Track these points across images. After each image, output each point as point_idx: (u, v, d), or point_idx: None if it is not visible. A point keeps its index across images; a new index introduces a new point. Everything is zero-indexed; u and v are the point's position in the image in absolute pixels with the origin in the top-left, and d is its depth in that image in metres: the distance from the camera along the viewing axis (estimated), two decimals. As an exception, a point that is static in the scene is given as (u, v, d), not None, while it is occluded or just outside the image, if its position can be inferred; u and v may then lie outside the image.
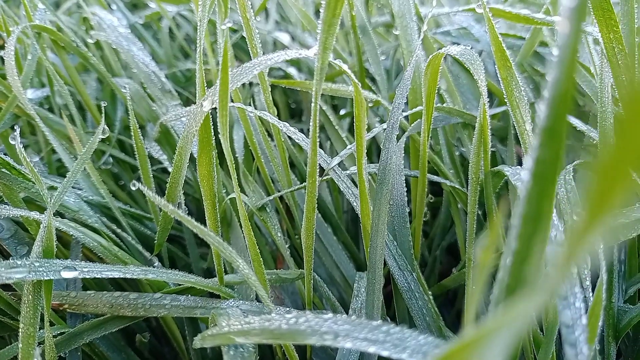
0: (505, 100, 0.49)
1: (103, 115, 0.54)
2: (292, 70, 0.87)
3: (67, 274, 0.46)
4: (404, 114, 0.62)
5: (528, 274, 0.28)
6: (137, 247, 0.60)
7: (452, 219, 0.68)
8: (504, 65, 0.47)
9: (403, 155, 0.62)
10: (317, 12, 1.14)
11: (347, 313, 0.62)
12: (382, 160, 0.51)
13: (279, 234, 0.62)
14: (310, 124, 0.44)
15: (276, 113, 0.62)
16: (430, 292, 0.57)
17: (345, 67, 0.46)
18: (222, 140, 0.44)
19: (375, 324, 0.34)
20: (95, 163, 0.70)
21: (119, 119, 0.74)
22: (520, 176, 0.48)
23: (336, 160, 0.53)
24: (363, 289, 0.55)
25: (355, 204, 0.53)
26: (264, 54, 0.94)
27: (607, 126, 0.56)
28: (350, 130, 0.92)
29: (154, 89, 0.71)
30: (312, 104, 0.43)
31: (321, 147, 0.88)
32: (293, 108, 1.04)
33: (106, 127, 0.53)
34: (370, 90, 0.86)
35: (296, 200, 0.67)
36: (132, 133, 0.55)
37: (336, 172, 0.54)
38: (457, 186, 0.62)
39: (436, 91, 0.56)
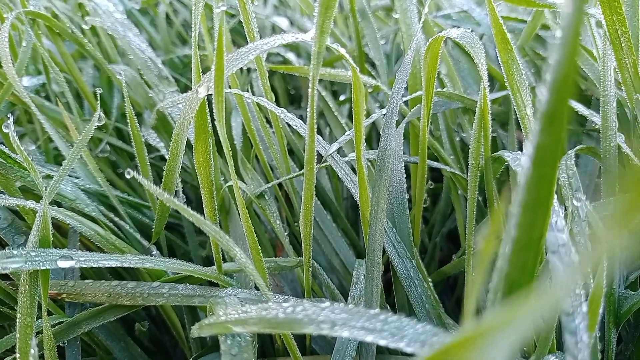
0: (506, 84, 0.48)
1: (99, 103, 0.53)
2: (290, 56, 0.86)
3: (63, 264, 0.45)
4: (404, 99, 0.61)
5: (527, 263, 0.27)
6: (135, 236, 0.59)
7: (453, 205, 0.68)
8: (505, 49, 0.46)
9: (402, 141, 0.61)
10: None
11: (346, 300, 0.62)
12: (381, 146, 0.51)
13: (278, 222, 0.62)
14: (308, 109, 0.43)
15: (274, 99, 0.61)
16: (430, 279, 0.57)
17: (343, 51, 0.45)
18: (217, 127, 0.43)
19: (372, 313, 0.33)
20: (93, 151, 0.70)
21: (116, 106, 0.73)
22: (520, 162, 0.47)
23: (334, 146, 0.52)
24: (362, 277, 0.55)
25: (354, 191, 0.52)
26: (261, 38, 0.93)
27: (610, 110, 0.55)
28: (350, 116, 0.91)
29: (150, 76, 0.70)
30: (310, 90, 0.43)
31: (320, 133, 0.88)
32: (292, 94, 1.03)
33: (102, 114, 0.52)
34: (370, 75, 0.85)
35: (295, 188, 0.66)
36: (129, 121, 0.54)
37: (334, 159, 0.53)
38: (457, 172, 0.61)
39: (436, 76, 0.56)
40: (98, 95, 0.56)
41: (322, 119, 0.87)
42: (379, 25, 0.99)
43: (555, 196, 0.45)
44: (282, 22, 0.92)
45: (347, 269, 0.65)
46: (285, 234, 0.63)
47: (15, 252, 0.44)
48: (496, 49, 0.48)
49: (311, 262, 0.54)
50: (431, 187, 0.67)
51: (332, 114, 0.78)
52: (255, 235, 0.49)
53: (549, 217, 0.25)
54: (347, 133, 0.54)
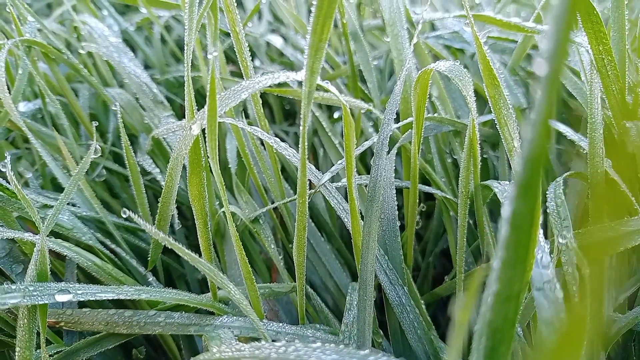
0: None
1: (94, 137, 0.54)
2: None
3: (61, 298, 0.46)
4: (395, 126, 0.62)
5: (509, 314, 0.29)
6: (131, 262, 0.60)
7: (445, 226, 0.69)
8: (492, 84, 0.47)
9: (396, 160, 0.62)
10: (309, 10, 1.13)
11: (340, 322, 0.63)
12: (372, 176, 0.52)
13: (273, 246, 0.63)
14: (300, 145, 0.44)
15: (269, 114, 0.62)
16: (422, 302, 0.58)
17: (334, 89, 0.46)
18: (211, 164, 0.45)
19: (363, 354, 0.34)
20: (89, 175, 0.71)
21: (111, 130, 0.74)
22: (508, 192, 0.48)
23: (326, 176, 0.53)
24: (355, 303, 0.56)
25: (346, 220, 0.53)
26: (255, 57, 0.94)
27: (597, 137, 0.56)
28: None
29: (145, 100, 0.71)
30: (301, 127, 0.44)
31: (314, 152, 0.89)
32: (287, 109, 1.04)
33: (98, 147, 0.53)
34: (363, 93, 0.86)
35: (289, 210, 0.67)
36: (124, 151, 0.55)
37: (327, 188, 0.54)
38: (448, 196, 0.62)
39: (427, 98, 0.57)
40: (93, 128, 0.57)
41: (315, 136, 0.88)
42: (374, 41, 1.00)
43: (541, 230, 0.46)
44: (276, 40, 0.93)
45: (340, 291, 0.66)
46: (280, 257, 0.64)
47: (13, 287, 0.45)
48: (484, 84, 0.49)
49: (305, 288, 0.55)
50: (423, 209, 0.68)
51: (326, 135, 0.79)
52: (249, 266, 0.50)
53: (528, 273, 0.26)
54: (339, 162, 0.55)
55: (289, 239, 0.70)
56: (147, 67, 1.00)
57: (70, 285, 0.48)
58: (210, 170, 0.62)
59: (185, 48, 0.43)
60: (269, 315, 0.62)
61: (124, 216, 0.42)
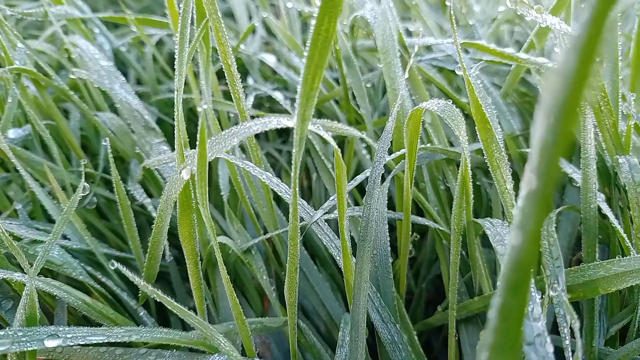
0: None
1: (83, 177, 0.53)
2: (278, 95, 0.87)
3: (50, 343, 0.46)
4: (388, 158, 0.61)
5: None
6: (122, 296, 0.60)
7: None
8: (484, 128, 0.47)
9: (390, 184, 0.62)
10: (304, 25, 1.13)
11: (333, 351, 0.63)
12: (365, 215, 0.52)
13: (265, 277, 0.63)
14: (291, 189, 0.44)
15: (260, 156, 0.62)
16: (415, 333, 0.58)
17: (327, 136, 0.45)
18: (201, 211, 0.44)
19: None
20: (80, 202, 0.70)
21: (103, 155, 0.74)
22: (500, 236, 0.48)
23: (318, 214, 0.53)
24: (347, 339, 0.56)
25: (338, 258, 0.53)
26: (248, 75, 0.93)
27: (590, 172, 0.56)
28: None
29: (137, 126, 0.70)
30: (292, 174, 0.43)
31: (307, 173, 0.88)
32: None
33: (87, 185, 0.53)
34: (357, 113, 0.86)
35: (282, 238, 0.67)
36: (115, 186, 0.55)
37: (319, 225, 0.54)
38: (441, 228, 0.62)
39: (421, 125, 0.57)
40: (83, 165, 0.56)
41: (308, 156, 0.88)
42: (367, 57, 1.00)
43: (533, 281, 0.46)
44: (270, 59, 0.92)
45: (333, 320, 0.66)
46: (273, 288, 0.64)
47: (2, 332, 0.45)
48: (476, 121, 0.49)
49: (296, 325, 0.55)
50: (416, 238, 0.68)
51: (319, 157, 0.79)
52: (239, 306, 0.50)
53: (517, 355, 0.26)
54: (331, 198, 0.55)
55: (282, 267, 0.70)
56: (139, 82, 0.99)
57: (60, 329, 0.47)
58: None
59: (176, 103, 0.42)
60: (261, 349, 0.62)
61: (112, 268, 0.42)
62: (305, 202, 0.55)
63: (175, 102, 0.44)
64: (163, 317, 0.70)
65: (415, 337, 0.57)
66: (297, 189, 0.44)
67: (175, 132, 0.45)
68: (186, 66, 0.54)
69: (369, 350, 0.58)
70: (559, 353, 0.56)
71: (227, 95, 0.90)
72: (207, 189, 0.43)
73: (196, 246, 0.50)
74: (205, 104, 0.39)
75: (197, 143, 0.41)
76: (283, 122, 0.44)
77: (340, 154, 0.45)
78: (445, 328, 0.78)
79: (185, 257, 0.50)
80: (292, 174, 0.43)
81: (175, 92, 0.44)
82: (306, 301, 0.69)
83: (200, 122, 0.39)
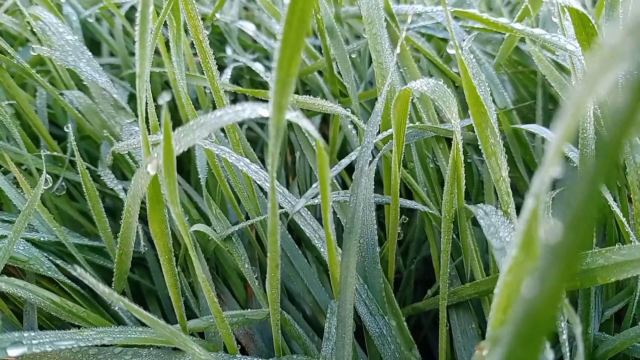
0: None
1: (44, 168, 0.49)
2: (258, 66, 0.82)
3: (13, 352, 0.43)
4: (375, 139, 0.58)
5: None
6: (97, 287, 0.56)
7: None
8: (478, 112, 0.43)
9: (378, 164, 0.59)
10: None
11: (320, 337, 0.61)
12: (351, 206, 0.48)
13: (247, 265, 0.60)
14: (269, 185, 0.40)
15: (240, 143, 0.57)
16: (404, 322, 0.55)
17: (307, 124, 0.41)
18: (171, 209, 0.40)
19: None
20: (50, 189, 0.66)
21: (71, 140, 0.69)
22: (494, 227, 0.45)
23: (300, 203, 0.49)
24: (334, 329, 0.53)
25: (322, 250, 0.50)
26: (227, 44, 0.88)
27: (588, 153, 0.53)
28: (322, 129, 0.88)
29: (105, 106, 0.66)
30: (269, 166, 0.39)
31: (292, 148, 0.84)
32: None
33: (49, 176, 0.48)
34: (342, 85, 0.81)
35: (265, 226, 0.64)
36: (81, 177, 0.51)
37: (302, 215, 0.51)
38: (430, 211, 0.59)
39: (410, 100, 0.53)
40: (44, 152, 0.52)
41: (291, 131, 0.83)
42: (355, 27, 0.95)
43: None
44: (249, 27, 0.86)
45: (319, 306, 0.64)
46: (255, 276, 0.61)
47: (-41, 342, 0.42)
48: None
49: (280, 320, 0.52)
50: (405, 221, 0.65)
51: (302, 134, 0.75)
52: (217, 304, 0.47)
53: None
54: (313, 186, 0.51)
55: (266, 251, 0.67)
56: (112, 55, 0.93)
57: (25, 335, 0.44)
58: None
59: (138, 89, 0.38)
60: (244, 340, 0.59)
61: (74, 273, 0.38)
62: (286, 190, 0.51)
63: (137, 88, 0.40)
64: (141, 303, 0.67)
65: (405, 324, 0.55)
66: (275, 175, 0.40)
67: (139, 119, 0.40)
68: (151, 47, 0.50)
69: (357, 338, 0.56)
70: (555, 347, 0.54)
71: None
72: (176, 184, 0.39)
73: (169, 242, 0.46)
74: (167, 95, 0.35)
75: (162, 137, 0.36)
76: (258, 111, 0.40)
77: (323, 142, 0.41)
78: (436, 311, 0.76)
79: (159, 254, 0.47)
80: (269, 167, 0.39)
81: (137, 80, 0.39)
82: (292, 285, 0.67)
83: (163, 114, 0.35)
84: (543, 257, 0.19)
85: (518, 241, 0.29)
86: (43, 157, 0.51)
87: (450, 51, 0.47)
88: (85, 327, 0.47)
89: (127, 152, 0.62)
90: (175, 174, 0.39)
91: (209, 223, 0.62)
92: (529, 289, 0.17)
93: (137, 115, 0.68)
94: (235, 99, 0.87)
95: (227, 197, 0.62)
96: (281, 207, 0.52)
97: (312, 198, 0.54)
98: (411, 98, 0.67)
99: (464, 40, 0.51)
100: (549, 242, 0.19)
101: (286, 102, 0.38)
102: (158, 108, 0.91)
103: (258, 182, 0.49)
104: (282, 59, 0.36)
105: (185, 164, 0.83)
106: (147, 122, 0.58)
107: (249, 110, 0.40)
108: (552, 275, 0.18)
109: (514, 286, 0.31)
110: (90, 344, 0.45)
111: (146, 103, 0.49)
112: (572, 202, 0.15)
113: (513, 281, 0.30)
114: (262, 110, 0.39)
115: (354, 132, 0.78)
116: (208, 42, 0.54)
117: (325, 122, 0.93)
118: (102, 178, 0.62)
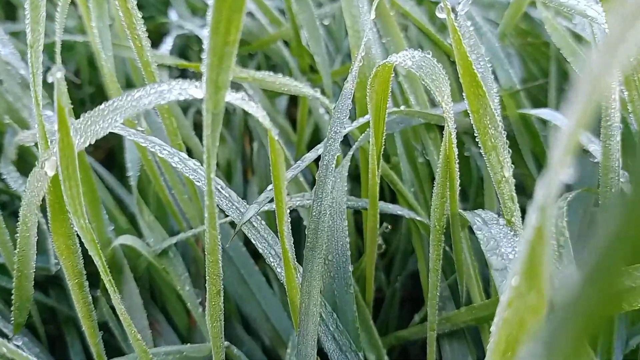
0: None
1: None
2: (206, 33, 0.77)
3: None
4: (349, 127, 0.54)
5: None
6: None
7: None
8: (475, 94, 0.39)
9: (353, 159, 0.55)
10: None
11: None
12: (314, 215, 0.44)
13: (187, 287, 0.56)
14: (206, 198, 0.36)
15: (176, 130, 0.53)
16: (385, 355, 0.52)
17: (257, 110, 0.37)
18: (73, 221, 0.36)
19: None
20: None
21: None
22: (494, 241, 0.41)
23: (250, 212, 0.45)
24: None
25: (279, 270, 0.46)
26: (170, 8, 0.83)
27: (613, 146, 0.49)
28: (289, 114, 0.84)
29: (11, 84, 0.61)
30: (205, 165, 0.35)
31: (250, 136, 0.80)
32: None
33: None
34: (311, 58, 0.77)
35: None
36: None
37: (253, 225, 0.47)
38: (418, 218, 0.55)
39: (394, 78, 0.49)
40: None
41: (249, 116, 0.79)
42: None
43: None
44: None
45: (280, 336, 0.60)
46: (198, 300, 0.57)
47: None
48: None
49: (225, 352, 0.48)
50: (387, 230, 0.61)
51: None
52: (142, 342, 0.42)
53: None
54: (268, 188, 0.47)
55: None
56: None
57: None
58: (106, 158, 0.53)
59: (30, 64, 0.33)
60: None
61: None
62: (232, 193, 0.47)
63: (30, 62, 0.35)
64: (58, 334, 0.63)
65: (386, 358, 0.52)
66: (213, 174, 0.36)
67: (33, 102, 0.36)
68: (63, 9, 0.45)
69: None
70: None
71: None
72: (80, 189, 0.35)
73: (78, 262, 0.42)
74: (58, 70, 0.30)
75: (57, 128, 0.32)
76: (189, 91, 0.35)
77: (275, 137, 0.37)
78: (424, 341, 0.73)
79: (66, 277, 0.42)
80: (205, 169, 0.35)
81: (29, 50, 0.35)
82: (247, 308, 0.63)
83: (55, 96, 0.30)
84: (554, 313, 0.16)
85: (519, 268, 0.26)
86: None
87: (441, 15, 0.43)
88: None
89: (34, 143, 0.58)
90: (92, 173, 0.35)
91: (140, 234, 0.58)
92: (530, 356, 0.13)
93: (52, 98, 0.63)
94: (181, 75, 0.82)
95: (164, 200, 0.58)
96: (227, 215, 0.48)
97: (269, 202, 0.50)
98: (397, 76, 0.63)
99: (459, 2, 0.47)
100: (563, 294, 0.15)
101: (225, 78, 0.34)
102: (82, 87, 0.86)
103: (196, 184, 0.45)
104: (217, 20, 0.32)
105: (117, 156, 0.78)
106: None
107: (177, 91, 0.35)
108: (564, 338, 0.15)
109: (514, 326, 0.27)
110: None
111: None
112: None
113: (513, 319, 0.27)
114: (194, 90, 0.35)
115: (326, 117, 0.74)
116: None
117: (295, 104, 0.89)
118: (4, 177, 0.57)
